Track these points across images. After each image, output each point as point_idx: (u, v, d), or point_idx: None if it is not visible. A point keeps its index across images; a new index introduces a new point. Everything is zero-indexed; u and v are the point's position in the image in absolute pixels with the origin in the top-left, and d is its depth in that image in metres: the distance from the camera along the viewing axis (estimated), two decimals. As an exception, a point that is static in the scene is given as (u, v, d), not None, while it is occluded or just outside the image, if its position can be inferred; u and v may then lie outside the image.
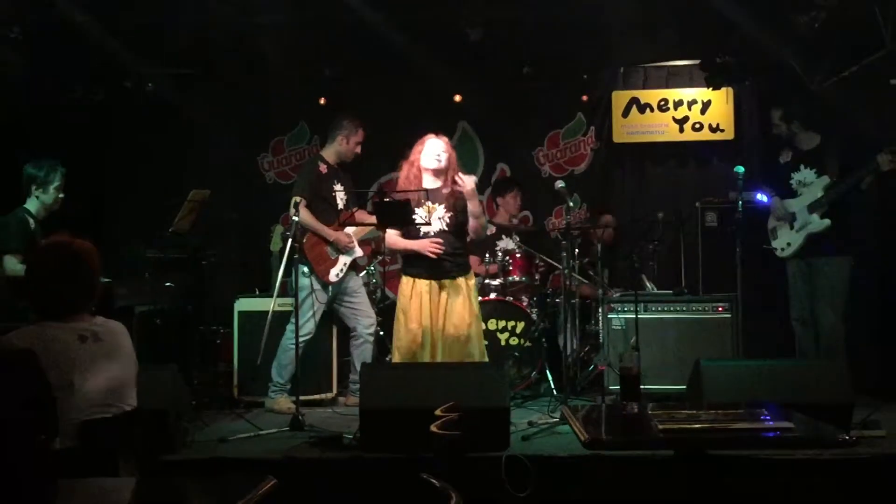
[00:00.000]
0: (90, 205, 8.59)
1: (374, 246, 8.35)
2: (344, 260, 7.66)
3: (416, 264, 6.63)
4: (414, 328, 6.51)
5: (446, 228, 6.57)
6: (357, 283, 7.88)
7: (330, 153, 7.81)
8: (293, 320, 7.25)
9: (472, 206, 6.47)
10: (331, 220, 7.53)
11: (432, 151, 6.57)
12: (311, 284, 7.53)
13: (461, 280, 6.59)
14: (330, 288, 7.64)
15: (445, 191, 6.55)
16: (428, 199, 6.53)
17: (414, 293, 6.55)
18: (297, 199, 7.39)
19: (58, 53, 8.50)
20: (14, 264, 6.53)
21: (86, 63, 8.93)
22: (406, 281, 6.66)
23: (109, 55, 8.62)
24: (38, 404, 3.45)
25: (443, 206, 6.54)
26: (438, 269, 6.54)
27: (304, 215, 7.29)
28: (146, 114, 9.69)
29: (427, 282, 6.55)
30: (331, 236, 7.56)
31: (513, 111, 9.85)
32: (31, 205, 6.91)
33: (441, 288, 6.53)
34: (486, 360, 6.76)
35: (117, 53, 8.61)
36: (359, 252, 7.75)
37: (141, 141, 9.76)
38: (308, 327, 7.52)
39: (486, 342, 6.90)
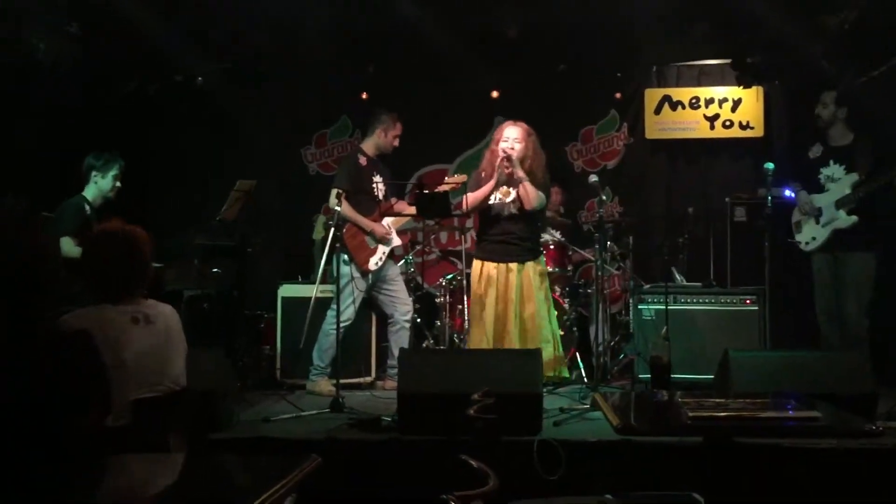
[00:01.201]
0: (140, 194, 8.75)
1: (410, 236, 8.52)
2: (382, 249, 7.80)
3: (486, 248, 6.85)
4: (486, 311, 6.73)
5: (517, 213, 6.79)
6: (395, 271, 8.01)
7: (369, 146, 7.98)
8: (334, 306, 7.34)
9: (518, 173, 6.73)
10: (370, 210, 7.70)
11: (509, 136, 6.85)
12: (352, 272, 7.68)
13: (530, 264, 6.79)
14: (369, 276, 7.79)
15: (518, 176, 6.75)
16: (502, 185, 6.75)
17: (483, 276, 6.75)
18: (337, 190, 7.49)
19: (113, 49, 8.68)
20: (71, 246, 6.64)
21: (139, 58, 9.11)
22: (476, 264, 6.90)
23: (161, 50, 8.81)
24: (93, 383, 3.53)
25: (515, 191, 6.76)
26: (507, 252, 6.75)
27: (343, 206, 7.35)
28: (195, 107, 9.87)
29: (495, 265, 6.76)
30: (368, 227, 7.71)
31: (548, 107, 9.82)
32: (89, 192, 7.13)
33: (509, 272, 6.72)
34: (559, 341, 6.94)
35: (169, 48, 8.80)
36: (397, 241, 7.88)
37: (190, 133, 9.97)
38: (348, 313, 7.65)
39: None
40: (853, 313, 7.35)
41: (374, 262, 7.80)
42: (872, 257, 7.36)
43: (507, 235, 6.86)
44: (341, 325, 7.39)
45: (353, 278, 7.71)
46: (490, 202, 6.80)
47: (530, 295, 6.77)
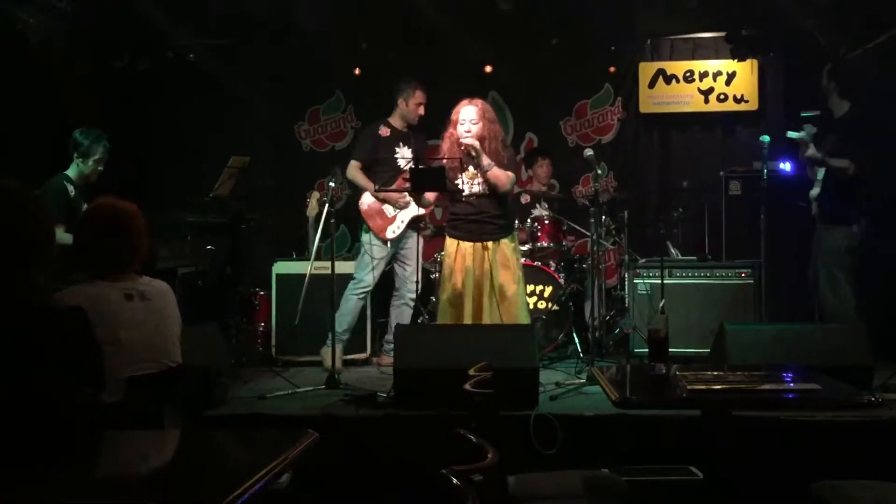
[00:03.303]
0: (132, 171, 8.71)
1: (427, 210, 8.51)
2: (402, 217, 7.85)
3: (460, 227, 6.78)
4: (458, 287, 6.67)
5: (486, 192, 6.75)
6: (413, 247, 7.96)
7: (395, 117, 8.05)
8: (357, 274, 7.84)
9: (483, 161, 6.62)
10: (391, 181, 7.70)
11: (465, 119, 6.71)
12: (370, 240, 7.82)
13: (504, 241, 6.75)
14: (388, 244, 7.85)
15: (484, 166, 6.64)
16: (469, 164, 6.70)
17: (458, 254, 6.71)
18: (352, 161, 7.81)
19: (104, 24, 8.64)
20: (61, 234, 6.59)
21: (131, 34, 9.08)
22: (450, 242, 6.82)
23: (153, 26, 8.76)
24: (87, 359, 3.50)
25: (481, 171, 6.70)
26: (481, 231, 6.71)
27: (352, 173, 7.84)
28: (187, 83, 9.84)
29: (470, 244, 6.72)
30: (376, 195, 7.80)
31: (542, 82, 9.92)
32: (72, 171, 7.03)
33: (484, 249, 6.68)
34: (528, 321, 6.85)
35: (161, 24, 8.75)
36: (416, 209, 7.77)
37: (182, 109, 9.91)
38: (367, 280, 7.81)
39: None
40: (825, 288, 7.23)
41: (391, 231, 7.86)
42: (845, 230, 7.18)
43: (480, 214, 6.77)
44: (360, 291, 7.80)
45: (371, 246, 7.83)
46: (458, 185, 6.73)
47: (508, 272, 6.72)
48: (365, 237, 7.88)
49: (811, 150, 7.11)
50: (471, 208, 6.76)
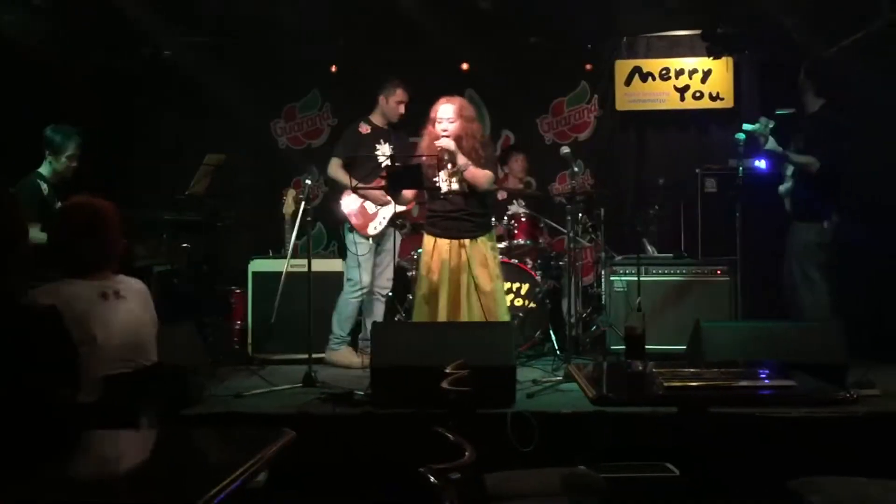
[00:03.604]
0: (108, 169, 8.64)
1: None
2: (383, 213, 7.85)
3: (438, 224, 6.78)
4: (434, 284, 6.67)
5: (465, 190, 6.74)
6: (390, 242, 7.99)
7: (377, 114, 8.03)
8: (350, 276, 7.86)
9: (459, 161, 6.61)
10: (372, 178, 7.65)
11: (442, 117, 6.69)
12: (354, 239, 7.82)
13: (481, 239, 6.74)
14: (370, 241, 7.86)
15: (460, 165, 6.63)
16: (448, 162, 6.69)
17: (435, 251, 6.70)
18: (333, 158, 7.86)
19: (77, 21, 8.58)
20: (35, 233, 6.53)
21: (105, 31, 9.01)
22: (428, 240, 6.81)
23: (128, 23, 8.69)
24: (62, 359, 3.51)
25: (459, 168, 6.69)
26: (459, 228, 6.71)
27: (333, 171, 7.88)
28: (163, 81, 9.79)
29: (447, 241, 6.71)
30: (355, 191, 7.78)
31: (518, 79, 9.92)
32: (45, 168, 6.96)
33: (461, 247, 6.68)
34: (508, 318, 6.86)
35: (135, 22, 8.68)
36: (397, 207, 7.71)
37: (158, 107, 9.88)
38: (361, 280, 7.78)
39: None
40: (796, 283, 7.26)
41: (373, 227, 7.87)
42: (813, 226, 7.20)
43: (458, 212, 6.76)
44: (358, 291, 7.84)
45: (356, 244, 7.83)
46: (436, 182, 6.72)
47: (485, 270, 6.72)
48: (349, 237, 7.87)
49: (771, 144, 7.13)
50: (449, 205, 6.75)
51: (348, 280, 7.87)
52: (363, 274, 7.76)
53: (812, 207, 7.22)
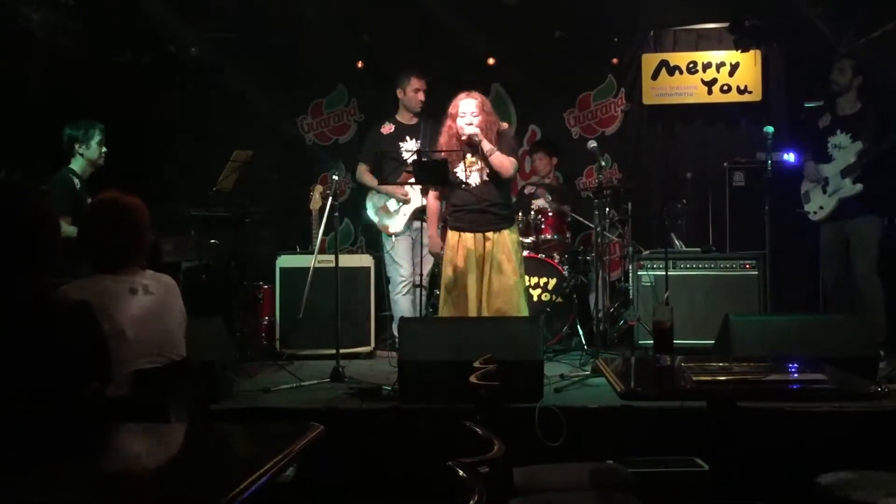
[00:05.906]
0: (136, 165, 8.68)
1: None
2: (404, 211, 7.94)
3: (462, 218, 6.77)
4: (459, 279, 6.66)
5: (487, 179, 6.74)
6: (408, 239, 8.06)
7: (401, 111, 8.13)
8: (389, 275, 8.12)
9: (485, 147, 6.62)
10: (397, 176, 7.72)
11: (465, 111, 6.70)
12: (391, 245, 8.03)
13: (505, 232, 6.73)
14: (394, 238, 8.01)
15: (487, 150, 6.63)
16: (469, 153, 6.70)
17: (460, 246, 6.70)
18: (359, 164, 8.05)
19: (107, 19, 8.63)
20: (64, 227, 6.56)
21: (133, 28, 9.05)
22: (452, 234, 6.80)
23: (155, 20, 8.75)
24: (93, 353, 3.49)
25: (480, 158, 6.69)
26: (482, 221, 6.71)
27: (361, 176, 8.17)
28: (190, 77, 9.84)
29: (472, 235, 6.71)
30: (381, 189, 7.96)
31: (545, 74, 9.89)
32: (76, 164, 6.99)
33: (486, 240, 6.68)
34: (527, 313, 6.83)
35: (163, 18, 8.74)
36: (418, 202, 7.83)
37: (185, 104, 9.89)
38: (402, 275, 7.99)
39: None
40: (864, 274, 7.28)
41: (395, 225, 8.00)
42: (878, 220, 7.31)
43: (481, 203, 6.75)
44: (403, 287, 8.05)
45: (394, 247, 8.04)
46: (458, 175, 6.72)
47: (510, 264, 6.70)
48: (387, 243, 8.11)
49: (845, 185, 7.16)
50: (472, 197, 6.74)
51: (391, 281, 8.03)
52: (402, 267, 7.94)
53: (886, 200, 7.28)
